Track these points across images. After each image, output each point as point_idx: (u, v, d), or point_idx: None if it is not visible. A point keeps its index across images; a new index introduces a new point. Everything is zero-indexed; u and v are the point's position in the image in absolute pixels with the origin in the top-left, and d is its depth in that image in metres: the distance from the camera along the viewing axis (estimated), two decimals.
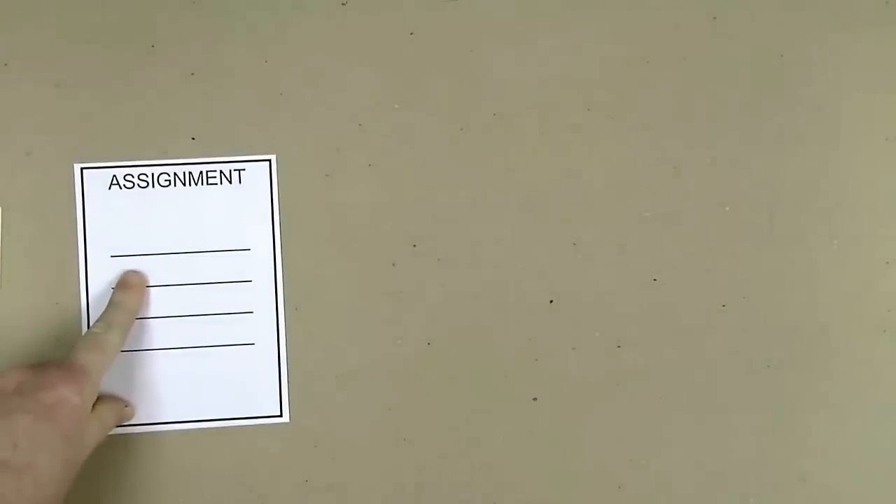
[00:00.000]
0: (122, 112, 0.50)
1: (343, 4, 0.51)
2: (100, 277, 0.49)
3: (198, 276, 0.49)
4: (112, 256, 0.49)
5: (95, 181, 0.49)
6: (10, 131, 0.49)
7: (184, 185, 0.49)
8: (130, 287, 0.48)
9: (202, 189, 0.49)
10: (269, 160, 0.50)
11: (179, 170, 0.49)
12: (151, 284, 0.49)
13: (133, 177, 0.49)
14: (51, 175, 0.49)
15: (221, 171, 0.50)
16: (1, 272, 0.49)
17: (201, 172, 0.49)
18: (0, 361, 0.48)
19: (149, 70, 0.50)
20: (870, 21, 0.51)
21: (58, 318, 0.49)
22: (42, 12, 0.50)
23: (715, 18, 0.51)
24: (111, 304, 0.47)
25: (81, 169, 0.49)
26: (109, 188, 0.49)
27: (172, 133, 0.50)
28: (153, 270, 0.49)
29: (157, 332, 0.49)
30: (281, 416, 0.49)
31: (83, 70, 0.50)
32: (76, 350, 0.44)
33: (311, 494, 0.49)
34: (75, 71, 0.50)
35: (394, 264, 0.50)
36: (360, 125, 0.50)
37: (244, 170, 0.50)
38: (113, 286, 0.48)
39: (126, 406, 0.48)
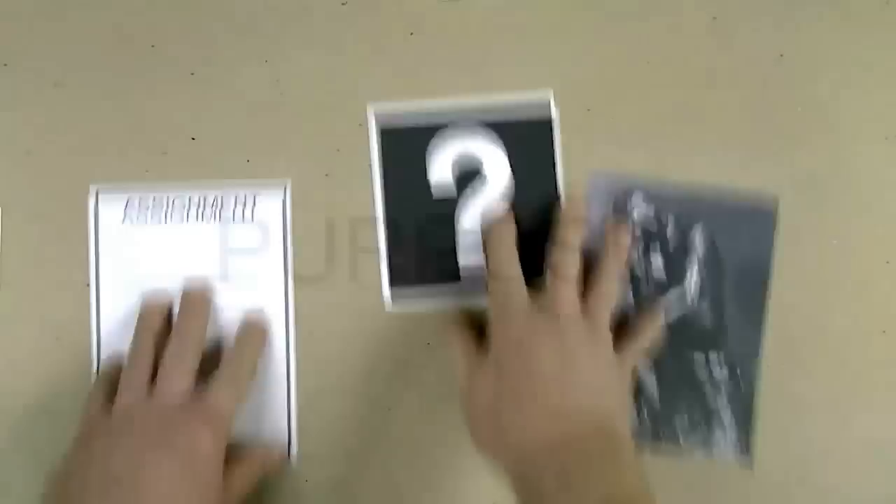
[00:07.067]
0: (121, 112, 0.50)
1: (343, 4, 0.51)
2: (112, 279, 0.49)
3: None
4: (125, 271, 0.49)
5: (110, 205, 0.49)
6: (10, 131, 0.50)
7: (196, 216, 0.49)
8: (251, 327, 0.48)
9: (214, 214, 0.49)
10: (285, 185, 0.49)
11: (195, 195, 0.49)
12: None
13: (148, 200, 0.49)
14: (51, 175, 0.49)
15: (235, 197, 0.49)
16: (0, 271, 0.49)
17: (216, 198, 0.49)
18: (0, 361, 0.49)
19: (149, 70, 0.50)
20: (870, 21, 0.51)
21: (60, 317, 0.49)
22: (42, 12, 0.50)
23: (715, 18, 0.51)
24: (232, 349, 0.47)
25: (97, 192, 0.49)
26: (124, 218, 0.49)
27: (172, 133, 0.50)
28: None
29: None
30: (289, 446, 0.49)
31: (83, 70, 0.50)
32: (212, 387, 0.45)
33: (312, 493, 0.49)
34: (75, 71, 0.50)
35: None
36: (359, 125, 0.50)
37: (258, 195, 0.49)
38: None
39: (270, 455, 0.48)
